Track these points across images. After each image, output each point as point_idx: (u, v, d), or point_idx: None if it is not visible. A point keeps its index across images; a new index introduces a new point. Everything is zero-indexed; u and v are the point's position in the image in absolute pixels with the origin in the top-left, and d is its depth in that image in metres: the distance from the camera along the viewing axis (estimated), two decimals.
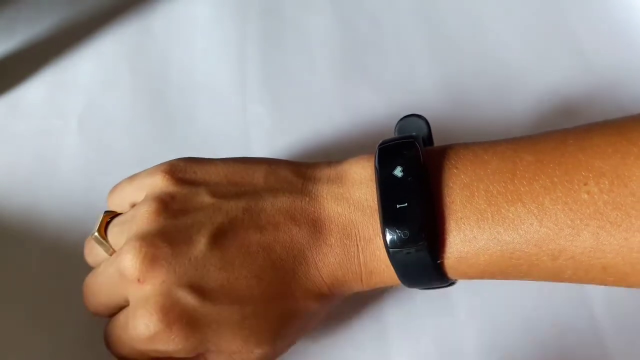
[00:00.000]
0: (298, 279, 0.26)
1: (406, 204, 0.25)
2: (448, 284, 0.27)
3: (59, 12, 0.42)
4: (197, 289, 0.25)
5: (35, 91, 0.39)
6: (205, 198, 0.27)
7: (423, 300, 0.31)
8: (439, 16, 0.41)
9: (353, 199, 0.27)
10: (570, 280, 0.26)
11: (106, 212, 0.29)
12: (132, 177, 0.29)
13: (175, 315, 0.25)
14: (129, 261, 0.25)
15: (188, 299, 0.25)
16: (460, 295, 0.31)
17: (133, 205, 0.29)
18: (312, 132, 0.37)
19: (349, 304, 0.31)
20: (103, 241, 0.28)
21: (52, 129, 0.38)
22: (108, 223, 0.28)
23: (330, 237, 0.26)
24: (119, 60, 0.40)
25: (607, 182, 0.23)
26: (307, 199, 0.27)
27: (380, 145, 0.27)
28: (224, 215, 0.26)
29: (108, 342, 0.28)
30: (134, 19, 0.42)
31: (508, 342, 0.30)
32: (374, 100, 0.38)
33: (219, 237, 0.26)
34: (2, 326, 0.31)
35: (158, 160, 0.37)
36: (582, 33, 0.39)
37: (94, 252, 0.29)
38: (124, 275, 0.26)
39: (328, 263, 0.26)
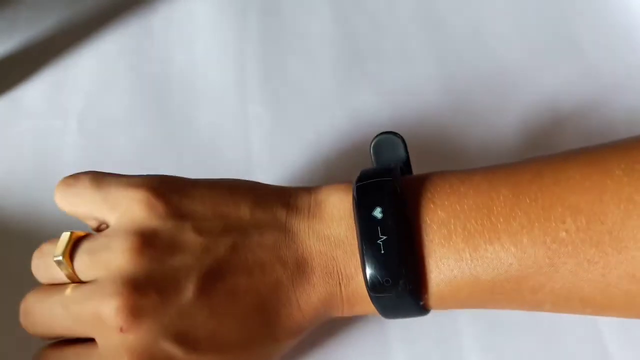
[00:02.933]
0: (281, 321, 0.26)
1: (387, 248, 0.24)
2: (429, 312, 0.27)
3: (59, 12, 0.42)
4: (183, 340, 0.24)
5: (35, 91, 0.39)
6: (191, 236, 0.25)
7: None
8: (439, 17, 0.41)
9: (334, 237, 0.26)
10: (550, 311, 0.26)
11: (70, 233, 0.26)
12: (97, 183, 0.27)
13: None
14: (114, 309, 0.24)
15: (173, 349, 0.24)
16: None
17: (100, 224, 0.27)
18: (312, 132, 0.37)
19: None
20: (67, 266, 0.26)
21: (52, 129, 0.38)
22: (74, 245, 0.26)
23: (313, 277, 0.26)
24: (119, 60, 0.40)
25: (584, 220, 0.23)
26: (290, 235, 0.26)
27: (357, 182, 0.26)
28: (212, 258, 0.25)
29: None
30: (134, 19, 0.42)
31: (508, 342, 0.30)
32: (373, 100, 0.38)
33: (207, 282, 0.25)
34: (1, 326, 0.31)
35: (158, 160, 0.37)
36: (583, 36, 0.39)
37: (50, 272, 0.26)
38: (101, 320, 0.24)
39: (310, 302, 0.26)
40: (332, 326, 0.31)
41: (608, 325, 0.30)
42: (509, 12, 0.41)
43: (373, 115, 0.37)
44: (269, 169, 0.36)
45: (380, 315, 0.27)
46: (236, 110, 0.38)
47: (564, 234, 0.23)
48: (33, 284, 0.28)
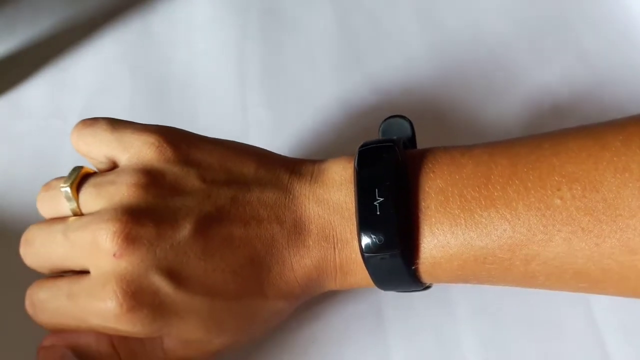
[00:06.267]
0: (272, 278, 0.26)
1: (382, 210, 0.25)
2: (423, 287, 0.27)
3: (59, 12, 0.42)
4: (174, 275, 0.25)
5: (35, 91, 0.39)
6: (195, 182, 0.26)
7: (422, 299, 0.31)
8: (438, 16, 0.41)
9: (333, 201, 0.27)
10: (543, 286, 0.26)
11: (80, 167, 0.27)
12: (113, 125, 0.28)
13: (146, 298, 0.24)
14: (110, 233, 0.24)
15: (162, 284, 0.25)
16: (460, 294, 0.31)
17: (111, 162, 0.28)
18: (312, 132, 0.37)
19: (348, 304, 0.31)
20: (73, 198, 0.26)
21: (52, 129, 0.38)
22: (81, 180, 0.27)
23: (308, 239, 0.26)
24: (119, 60, 0.40)
25: (579, 188, 0.23)
26: (290, 196, 0.27)
27: (360, 147, 0.27)
28: (212, 204, 0.26)
29: (42, 308, 0.27)
30: (134, 19, 0.42)
31: (508, 342, 0.30)
32: (373, 100, 0.38)
33: (204, 225, 0.25)
34: (2, 326, 0.31)
35: None
36: (582, 33, 0.39)
37: (55, 204, 0.27)
38: (98, 245, 0.25)
39: (304, 265, 0.26)
40: (331, 321, 0.31)
41: (608, 325, 0.30)
42: (508, 11, 0.41)
43: (373, 115, 0.37)
44: None
45: (373, 289, 0.27)
46: (236, 110, 0.38)
47: (558, 201, 0.24)
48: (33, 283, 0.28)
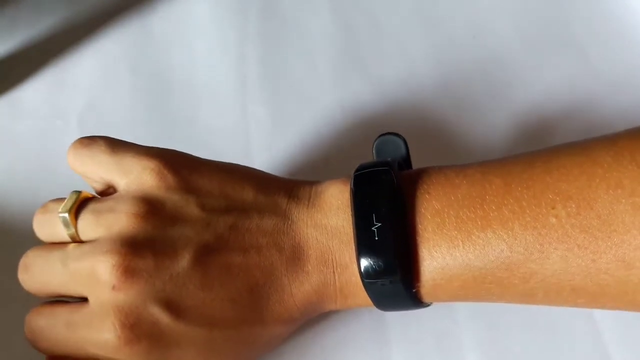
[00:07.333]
0: (271, 305, 0.26)
1: (381, 235, 0.25)
2: (424, 307, 0.27)
3: (59, 12, 0.42)
4: (172, 307, 0.25)
5: (35, 91, 0.39)
6: (194, 210, 0.26)
7: None
8: (438, 16, 0.41)
9: (331, 226, 0.27)
10: (542, 302, 0.26)
11: (79, 192, 0.27)
12: (112, 148, 0.27)
13: (144, 330, 0.24)
14: (109, 265, 0.24)
15: (161, 315, 0.24)
16: None
17: (108, 187, 0.28)
18: (312, 132, 0.37)
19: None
20: (71, 225, 0.26)
21: (52, 129, 0.38)
22: (79, 205, 0.27)
23: (307, 264, 0.26)
24: (119, 60, 0.40)
25: (574, 206, 0.24)
26: (289, 222, 0.27)
27: (356, 172, 0.27)
28: (211, 233, 0.26)
29: (41, 336, 0.27)
30: (134, 19, 0.42)
31: (508, 344, 0.30)
32: (373, 101, 0.38)
33: (204, 255, 0.25)
34: (2, 326, 0.31)
35: None
36: (583, 35, 0.39)
37: (52, 228, 0.27)
38: (97, 276, 0.25)
39: (303, 290, 0.26)
40: (332, 325, 0.31)
41: (608, 325, 0.30)
42: (508, 11, 0.41)
43: (373, 115, 0.37)
44: (268, 168, 0.36)
45: (374, 307, 0.27)
46: (236, 110, 0.38)
47: (553, 219, 0.24)
48: None
